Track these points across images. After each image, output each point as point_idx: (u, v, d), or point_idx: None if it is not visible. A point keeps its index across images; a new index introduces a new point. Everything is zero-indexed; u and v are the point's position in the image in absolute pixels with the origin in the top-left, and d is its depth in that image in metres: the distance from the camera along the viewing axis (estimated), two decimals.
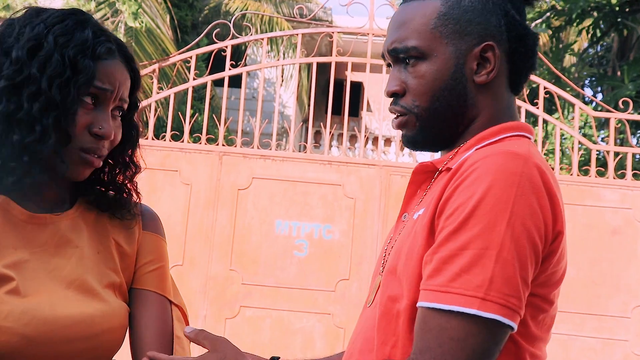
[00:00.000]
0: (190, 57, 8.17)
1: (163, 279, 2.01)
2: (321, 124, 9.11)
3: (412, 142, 1.84)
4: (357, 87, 19.51)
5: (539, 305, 1.58)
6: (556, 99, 8.23)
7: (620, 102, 8.39)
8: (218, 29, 8.20)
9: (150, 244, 2.03)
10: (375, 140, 19.09)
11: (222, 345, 1.77)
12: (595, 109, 9.61)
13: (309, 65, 13.68)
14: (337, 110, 11.57)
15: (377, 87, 11.45)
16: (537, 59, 1.87)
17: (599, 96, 13.85)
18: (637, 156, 9.14)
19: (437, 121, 1.78)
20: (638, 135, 12.09)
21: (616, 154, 8.25)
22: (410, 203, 1.86)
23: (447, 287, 1.46)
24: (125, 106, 1.92)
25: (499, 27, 1.75)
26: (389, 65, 1.87)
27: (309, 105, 19.22)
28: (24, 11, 1.88)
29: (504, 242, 1.46)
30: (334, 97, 8.25)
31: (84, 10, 1.91)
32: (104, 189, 2.00)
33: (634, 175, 8.22)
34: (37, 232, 1.82)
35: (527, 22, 1.83)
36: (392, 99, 1.84)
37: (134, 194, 2.04)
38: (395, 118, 1.84)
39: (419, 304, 1.51)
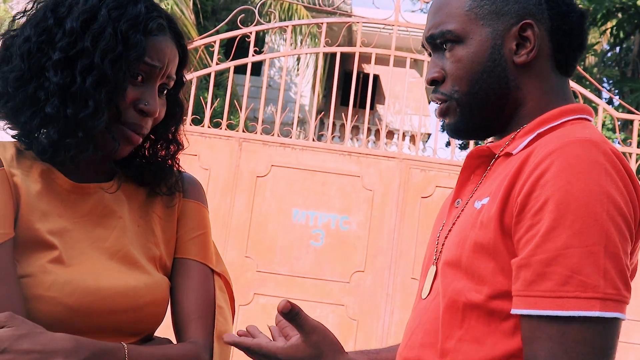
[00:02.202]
0: (214, 42, 8.14)
1: (205, 246, 2.00)
2: (342, 114, 9.09)
3: (455, 130, 1.80)
4: (376, 80, 19.52)
5: None
6: (580, 99, 8.18)
7: None
8: (242, 15, 8.19)
9: (191, 211, 2.02)
10: (390, 133, 19.10)
11: (320, 337, 1.74)
12: (616, 109, 9.54)
13: (326, 55, 13.71)
14: (355, 103, 11.52)
15: (396, 80, 11.37)
16: (585, 36, 1.80)
17: (616, 98, 13.80)
18: None
19: (479, 106, 1.74)
20: None
21: (639, 156, 8.19)
22: (464, 189, 1.80)
23: (560, 292, 1.40)
24: (172, 83, 1.92)
25: (538, 5, 1.71)
26: (430, 54, 1.84)
27: (324, 96, 19.32)
28: None
29: (608, 235, 1.41)
30: (345, 89, 8.23)
31: None
32: (144, 162, 1.99)
33: None
34: (80, 202, 1.82)
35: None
36: (432, 87, 1.81)
37: (175, 166, 2.03)
38: (437, 105, 1.81)
39: (524, 311, 1.45)
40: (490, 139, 1.85)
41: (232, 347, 1.87)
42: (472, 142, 8.61)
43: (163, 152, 1.99)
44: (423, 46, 1.87)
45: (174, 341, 1.89)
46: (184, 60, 1.94)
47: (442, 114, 1.80)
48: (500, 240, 1.54)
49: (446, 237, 1.74)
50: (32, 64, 1.73)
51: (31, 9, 1.83)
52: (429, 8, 1.86)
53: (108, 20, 1.74)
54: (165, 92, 1.91)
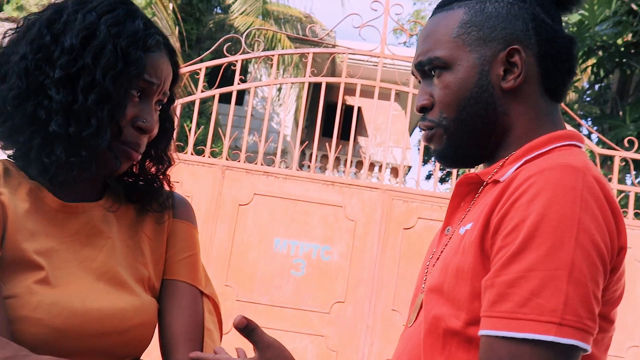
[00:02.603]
0: (199, 70, 8.13)
1: (194, 268, 1.96)
2: (326, 144, 9.08)
3: (442, 156, 1.80)
4: (360, 112, 19.58)
5: (601, 325, 1.49)
6: None
7: (625, 141, 8.39)
8: (228, 44, 8.21)
9: (180, 232, 1.98)
10: (371, 165, 19.17)
11: (274, 353, 1.70)
12: (597, 145, 9.59)
13: (310, 86, 13.76)
14: (330, 133, 11.53)
15: (378, 112, 11.40)
16: (574, 62, 1.80)
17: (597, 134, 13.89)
18: (639, 196, 9.10)
19: (466, 133, 1.73)
20: (637, 174, 12.10)
21: (619, 192, 8.25)
22: (454, 216, 1.80)
23: (517, 314, 1.37)
24: (165, 100, 1.90)
25: (526, 30, 1.70)
26: (419, 81, 1.84)
27: (306, 127, 19.39)
28: None
29: (574, 261, 1.37)
30: (326, 120, 8.25)
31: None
32: (132, 180, 1.97)
33: (636, 214, 8.22)
34: (68, 222, 1.78)
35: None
36: (420, 114, 1.80)
37: (167, 187, 2.00)
38: (424, 132, 1.80)
39: (483, 332, 1.42)
40: (480, 166, 1.83)
41: None
42: (454, 174, 8.60)
43: (153, 169, 1.97)
44: (413, 73, 1.86)
45: None
46: (176, 76, 1.93)
47: (427, 139, 1.80)
48: (479, 265, 1.53)
49: (434, 265, 1.73)
50: (30, 82, 1.69)
51: (23, 25, 1.80)
52: (414, 41, 1.86)
53: (108, 36, 1.73)
54: (159, 108, 1.90)
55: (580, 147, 1.69)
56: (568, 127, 1.82)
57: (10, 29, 1.82)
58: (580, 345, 1.36)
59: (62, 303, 1.66)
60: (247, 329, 1.64)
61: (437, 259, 1.73)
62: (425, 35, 1.79)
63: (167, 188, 2.00)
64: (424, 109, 1.78)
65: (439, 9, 1.82)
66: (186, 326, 1.88)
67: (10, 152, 1.81)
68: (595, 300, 1.39)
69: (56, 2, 1.83)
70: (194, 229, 2.03)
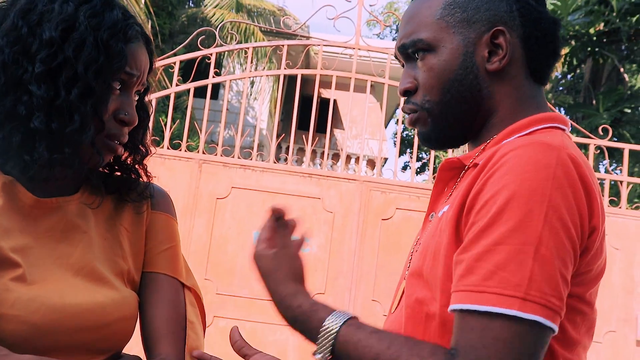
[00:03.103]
0: (173, 64, 8.09)
1: (174, 260, 1.94)
2: (302, 137, 9.07)
3: (427, 139, 1.79)
4: (336, 105, 19.58)
5: (576, 306, 1.48)
6: None
7: (599, 129, 8.42)
8: (201, 37, 8.17)
9: (159, 223, 1.96)
10: (348, 157, 19.18)
11: (285, 260, 1.74)
12: (572, 133, 9.61)
13: (285, 79, 13.74)
14: (306, 126, 11.50)
15: (354, 104, 11.42)
16: (558, 43, 1.78)
17: (572, 123, 13.95)
18: (613, 183, 9.14)
19: (450, 115, 1.71)
20: (611, 162, 12.17)
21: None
22: (438, 202, 1.79)
23: (482, 287, 1.36)
24: (142, 90, 1.88)
25: (510, 12, 1.69)
26: (402, 65, 1.82)
27: (282, 120, 19.38)
28: None
29: (542, 237, 1.36)
30: (302, 113, 8.23)
31: None
32: (107, 170, 1.94)
33: (611, 202, 8.25)
34: (43, 217, 1.76)
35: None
36: (403, 97, 1.79)
37: (144, 176, 1.97)
38: (408, 115, 1.78)
39: (452, 306, 1.41)
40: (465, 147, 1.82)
41: None
42: (431, 165, 8.60)
43: (130, 160, 1.94)
44: (396, 56, 1.85)
45: (144, 358, 1.84)
46: (152, 65, 1.89)
47: (412, 123, 1.78)
48: (453, 245, 1.52)
49: (416, 251, 1.72)
50: (8, 77, 1.65)
51: None
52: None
53: (88, 28, 1.68)
54: (137, 98, 1.87)
55: (563, 129, 1.67)
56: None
57: None
58: (545, 322, 1.34)
59: (39, 299, 1.63)
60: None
61: (419, 244, 1.73)
62: (408, 17, 1.78)
63: (144, 178, 1.98)
64: (407, 92, 1.76)
65: None
66: (168, 319, 1.86)
67: None
68: (562, 280, 1.38)
69: None
70: (174, 220, 2.01)
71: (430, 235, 1.63)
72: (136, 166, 1.95)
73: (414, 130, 1.85)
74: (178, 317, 1.88)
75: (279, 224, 1.76)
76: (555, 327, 1.36)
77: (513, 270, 1.34)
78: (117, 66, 1.72)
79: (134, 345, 1.87)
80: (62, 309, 1.65)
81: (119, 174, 1.95)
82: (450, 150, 8.19)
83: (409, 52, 1.75)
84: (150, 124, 7.77)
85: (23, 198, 1.73)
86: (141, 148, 1.95)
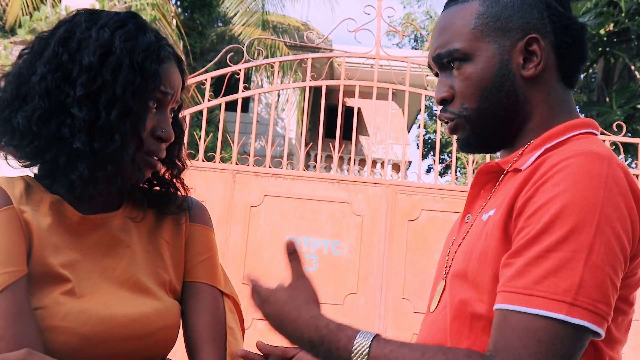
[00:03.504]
0: (205, 80, 8.10)
1: (213, 269, 1.95)
2: (329, 144, 9.06)
3: (466, 144, 1.77)
4: (361, 113, 19.59)
5: (620, 307, 1.47)
6: None
7: (614, 126, 8.37)
8: (231, 54, 8.18)
9: (197, 234, 1.96)
10: (373, 162, 19.18)
11: (302, 288, 1.73)
12: None
13: (311, 91, 13.76)
14: (332, 134, 11.53)
15: (377, 112, 11.38)
16: (587, 48, 1.77)
17: None
18: None
19: (489, 121, 1.71)
20: (627, 157, 12.09)
21: None
22: (474, 204, 1.77)
23: (531, 290, 1.35)
24: (176, 107, 1.90)
25: (541, 19, 1.68)
26: (436, 74, 1.81)
27: (309, 130, 19.40)
28: (73, 14, 1.81)
29: (593, 245, 1.35)
30: (328, 122, 8.22)
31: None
32: (147, 186, 1.96)
33: None
34: (88, 234, 1.77)
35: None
36: (440, 106, 1.78)
37: (182, 190, 1.97)
38: (446, 124, 1.78)
39: (498, 305, 1.41)
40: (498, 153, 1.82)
41: None
42: (453, 167, 8.56)
43: (167, 174, 1.95)
44: (429, 66, 1.83)
45: None
46: (184, 83, 1.90)
47: (452, 130, 1.77)
48: (502, 249, 1.51)
49: (456, 252, 1.70)
50: (52, 102, 1.67)
51: (36, 45, 1.77)
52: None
53: (124, 52, 1.70)
54: (172, 115, 1.88)
55: (596, 134, 1.68)
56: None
57: (25, 49, 1.79)
58: (591, 327, 1.34)
59: (88, 311, 1.66)
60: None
61: (459, 245, 1.71)
62: (441, 28, 1.77)
63: (182, 191, 1.98)
64: (444, 101, 1.76)
65: (452, 2, 1.79)
66: (209, 326, 1.88)
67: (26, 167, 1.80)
68: (612, 286, 1.38)
69: (65, 19, 1.80)
70: (211, 231, 2.01)
71: (475, 237, 1.62)
72: (174, 180, 1.96)
73: (435, 134, 1.85)
74: (218, 323, 1.89)
75: (292, 257, 1.79)
76: (602, 332, 1.36)
77: (563, 276, 1.34)
78: (153, 86, 1.73)
79: (178, 349, 1.89)
80: (110, 320, 1.68)
81: (158, 188, 1.96)
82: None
83: (444, 61, 1.74)
84: (185, 138, 7.81)
85: (70, 216, 1.74)
86: (178, 163, 1.96)
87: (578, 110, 10.23)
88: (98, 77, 1.67)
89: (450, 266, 1.71)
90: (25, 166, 1.79)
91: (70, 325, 1.62)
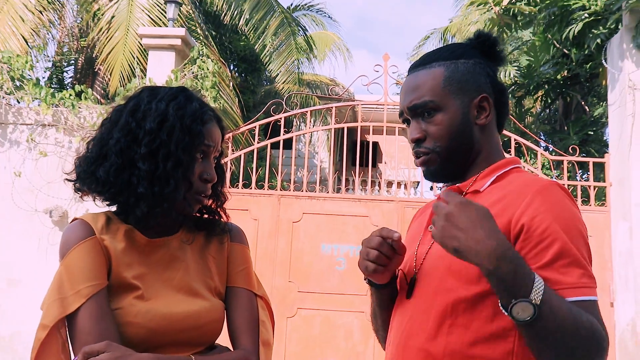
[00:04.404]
0: (255, 127, 8.13)
1: (249, 277, 2.00)
2: (352, 171, 9.02)
3: (434, 174, 1.82)
4: (374, 145, 19.54)
5: None
6: (523, 148, 8.15)
7: (569, 148, 8.32)
8: (273, 106, 8.23)
9: (237, 251, 2.01)
10: (389, 184, 19.15)
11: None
12: (550, 154, 9.49)
13: (338, 130, 13.82)
14: (355, 163, 11.55)
15: (390, 144, 11.36)
16: (509, 103, 1.95)
17: (551, 146, 13.77)
18: (583, 188, 8.98)
19: (453, 156, 1.77)
20: (581, 172, 11.97)
21: (569, 186, 8.19)
22: None
23: (582, 283, 1.51)
24: (218, 154, 1.96)
25: (486, 83, 1.79)
26: (404, 121, 1.86)
27: (339, 160, 19.45)
28: (139, 91, 1.91)
29: (587, 245, 1.59)
30: (353, 153, 8.21)
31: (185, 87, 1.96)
32: (198, 214, 2.02)
33: (583, 201, 8.15)
34: (153, 253, 1.85)
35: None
36: (414, 144, 1.81)
37: (224, 216, 2.04)
38: (418, 158, 1.81)
39: (574, 298, 1.50)
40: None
41: (272, 351, 1.93)
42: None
43: (214, 205, 2.01)
44: (401, 113, 1.87)
45: (231, 348, 1.91)
46: (223, 136, 1.98)
47: (423, 163, 1.82)
48: None
49: (427, 252, 1.74)
50: (124, 159, 1.77)
51: (113, 116, 1.88)
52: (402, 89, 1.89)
53: (176, 118, 1.81)
54: (215, 162, 1.95)
55: (522, 168, 1.83)
56: (528, 143, 1.84)
57: (105, 119, 1.90)
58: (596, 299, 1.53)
59: (153, 311, 1.75)
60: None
61: (429, 248, 1.74)
62: (414, 86, 1.82)
63: (224, 218, 2.04)
64: (418, 141, 1.80)
65: (419, 66, 1.85)
66: (245, 320, 1.92)
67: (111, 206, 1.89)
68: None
69: (133, 95, 1.91)
70: (247, 248, 2.06)
71: None
72: (218, 209, 2.03)
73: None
74: (253, 318, 1.94)
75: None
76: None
77: (589, 270, 1.54)
78: (198, 142, 1.83)
79: (222, 338, 1.93)
80: (170, 316, 1.77)
81: (206, 216, 2.03)
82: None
83: (418, 110, 1.79)
84: (241, 172, 7.85)
85: (139, 240, 1.83)
86: (221, 196, 2.02)
87: (544, 137, 10.16)
88: (157, 138, 1.78)
89: (421, 263, 1.74)
90: (107, 205, 1.88)
91: (140, 321, 1.72)
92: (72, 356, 1.68)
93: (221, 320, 1.89)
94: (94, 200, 1.87)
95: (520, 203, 1.58)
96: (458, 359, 1.57)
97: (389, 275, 1.79)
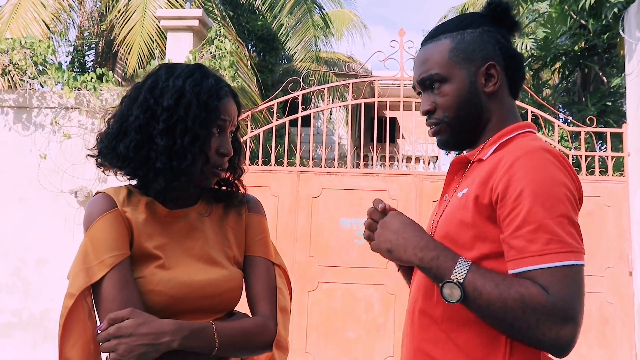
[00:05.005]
0: (273, 105, 8.15)
1: (266, 246, 2.04)
2: (370, 147, 9.03)
3: (446, 143, 1.86)
4: (392, 121, 19.49)
5: None
6: (540, 120, 8.10)
7: (587, 119, 8.26)
8: (291, 84, 8.24)
9: (254, 221, 2.05)
10: (407, 159, 19.12)
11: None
12: (568, 125, 9.43)
13: (358, 106, 13.81)
14: (379, 139, 11.52)
15: (408, 119, 11.35)
16: (525, 69, 1.93)
17: (569, 117, 13.67)
18: (601, 158, 8.92)
19: (463, 125, 1.82)
20: (599, 143, 11.87)
21: (586, 157, 8.14)
22: (450, 187, 1.87)
23: (547, 250, 1.48)
24: (234, 129, 1.99)
25: (494, 51, 1.80)
26: (419, 93, 1.91)
27: (358, 137, 19.43)
28: (157, 68, 1.95)
29: (567, 209, 1.53)
30: (371, 129, 8.20)
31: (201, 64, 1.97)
32: (217, 187, 2.06)
33: (601, 172, 8.07)
34: (174, 223, 1.90)
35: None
36: (425, 116, 1.87)
37: (241, 188, 2.08)
38: (431, 129, 1.87)
39: (523, 269, 1.51)
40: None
41: (290, 317, 1.97)
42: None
43: (232, 177, 2.05)
44: (414, 87, 1.93)
45: (250, 315, 1.95)
46: (239, 111, 2.00)
47: (435, 133, 1.87)
48: (477, 217, 1.61)
49: (438, 221, 1.79)
50: (143, 134, 1.81)
51: (132, 93, 1.91)
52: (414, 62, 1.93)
53: (192, 94, 1.83)
54: (232, 136, 1.98)
55: (534, 132, 1.82)
56: (545, 116, 1.83)
57: (125, 96, 1.93)
58: (583, 264, 1.50)
59: (175, 279, 1.80)
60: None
61: (440, 216, 1.80)
62: (423, 59, 1.87)
63: (242, 190, 2.08)
64: (428, 112, 1.85)
65: (427, 40, 1.90)
66: (263, 287, 1.96)
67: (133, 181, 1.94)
68: (578, 232, 1.54)
69: (151, 72, 1.95)
70: (264, 218, 2.10)
71: (454, 209, 1.71)
72: (236, 182, 2.07)
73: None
74: (270, 285, 1.97)
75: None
76: (584, 263, 1.51)
77: (562, 235, 1.49)
78: (214, 117, 1.86)
79: (241, 305, 1.97)
80: (190, 284, 1.81)
81: (224, 188, 2.07)
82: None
83: (427, 83, 1.84)
84: (260, 149, 7.89)
85: (160, 211, 1.89)
86: (238, 169, 2.06)
87: (562, 108, 10.12)
88: (174, 114, 1.81)
89: (434, 232, 1.79)
90: (128, 179, 1.93)
91: (162, 289, 1.78)
92: (98, 323, 1.74)
93: (240, 288, 1.93)
94: (115, 175, 1.92)
95: (501, 170, 1.59)
96: (456, 322, 1.65)
97: None
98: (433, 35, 1.88)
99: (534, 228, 1.48)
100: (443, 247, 1.60)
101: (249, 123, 8.15)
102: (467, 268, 1.52)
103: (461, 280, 1.51)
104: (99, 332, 1.65)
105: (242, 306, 1.96)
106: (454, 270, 1.53)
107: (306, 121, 15.67)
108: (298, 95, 8.16)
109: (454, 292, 1.52)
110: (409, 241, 1.64)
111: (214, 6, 13.91)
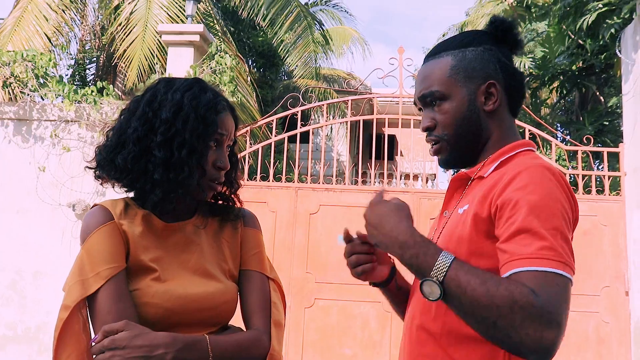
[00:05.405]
0: (272, 121, 8.17)
1: (261, 260, 2.03)
2: (368, 163, 9.05)
3: (446, 162, 1.86)
4: (390, 138, 19.53)
5: None
6: (538, 139, 8.12)
7: (584, 139, 8.28)
8: (291, 100, 8.27)
9: (249, 236, 2.04)
10: (406, 176, 19.13)
11: (406, 207, 1.72)
12: (566, 144, 9.45)
13: (356, 123, 13.85)
14: (377, 156, 11.55)
15: (407, 136, 11.36)
16: (525, 89, 1.89)
17: (567, 136, 13.66)
18: (598, 177, 8.94)
19: (462, 143, 1.81)
20: (596, 162, 11.91)
21: (583, 176, 8.15)
22: (450, 203, 1.86)
23: (538, 255, 1.46)
24: (231, 143, 1.99)
25: (495, 69, 1.79)
26: (420, 109, 1.89)
27: (356, 154, 19.46)
28: (156, 82, 1.95)
29: (561, 224, 1.51)
30: (370, 146, 8.22)
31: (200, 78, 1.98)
32: (213, 200, 2.05)
33: (597, 191, 8.08)
34: (170, 236, 1.89)
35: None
36: (426, 132, 1.86)
37: (237, 202, 2.07)
38: (432, 147, 1.86)
39: (516, 270, 1.48)
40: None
41: (284, 331, 1.96)
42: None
43: (228, 192, 2.05)
44: (415, 103, 1.92)
45: (244, 328, 1.94)
46: (236, 125, 2.01)
47: (436, 152, 1.86)
48: (474, 232, 1.61)
49: (439, 237, 1.78)
50: (141, 147, 1.81)
51: (132, 106, 1.92)
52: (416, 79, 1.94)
53: (190, 107, 1.84)
54: (229, 150, 1.98)
55: (534, 150, 1.80)
56: (543, 134, 1.85)
57: (124, 109, 1.94)
58: (571, 278, 1.48)
59: (170, 291, 1.80)
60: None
61: (440, 232, 1.79)
62: (423, 76, 1.86)
63: (237, 204, 2.08)
64: (428, 129, 1.84)
65: (429, 57, 1.89)
66: (258, 301, 1.96)
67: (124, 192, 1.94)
68: (571, 250, 1.52)
69: (150, 86, 1.95)
70: (259, 233, 2.09)
71: (454, 225, 1.71)
72: (232, 196, 2.06)
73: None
74: (265, 299, 1.97)
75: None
76: (572, 279, 1.49)
77: (554, 245, 1.47)
78: (212, 131, 1.87)
79: (236, 318, 1.97)
80: (185, 297, 1.81)
81: (220, 202, 2.07)
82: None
83: (427, 100, 1.83)
84: (258, 165, 7.90)
85: (156, 224, 1.88)
86: (234, 183, 2.05)
87: (560, 127, 10.16)
88: (172, 127, 1.81)
89: None
90: (125, 191, 1.93)
91: (157, 302, 1.77)
92: (93, 335, 1.74)
93: (234, 301, 1.93)
94: (113, 187, 1.92)
95: (501, 184, 1.59)
96: (454, 337, 1.64)
97: (384, 269, 1.95)
98: (435, 52, 1.87)
99: (528, 235, 1.47)
100: (423, 242, 1.54)
101: (247, 138, 8.16)
102: (449, 264, 1.47)
103: (441, 279, 1.47)
104: (94, 344, 1.65)
105: (237, 320, 1.96)
106: (435, 268, 1.48)
107: (305, 137, 15.70)
108: (297, 111, 8.18)
109: (433, 290, 1.48)
110: (387, 237, 1.61)
111: (215, 22, 13.97)
